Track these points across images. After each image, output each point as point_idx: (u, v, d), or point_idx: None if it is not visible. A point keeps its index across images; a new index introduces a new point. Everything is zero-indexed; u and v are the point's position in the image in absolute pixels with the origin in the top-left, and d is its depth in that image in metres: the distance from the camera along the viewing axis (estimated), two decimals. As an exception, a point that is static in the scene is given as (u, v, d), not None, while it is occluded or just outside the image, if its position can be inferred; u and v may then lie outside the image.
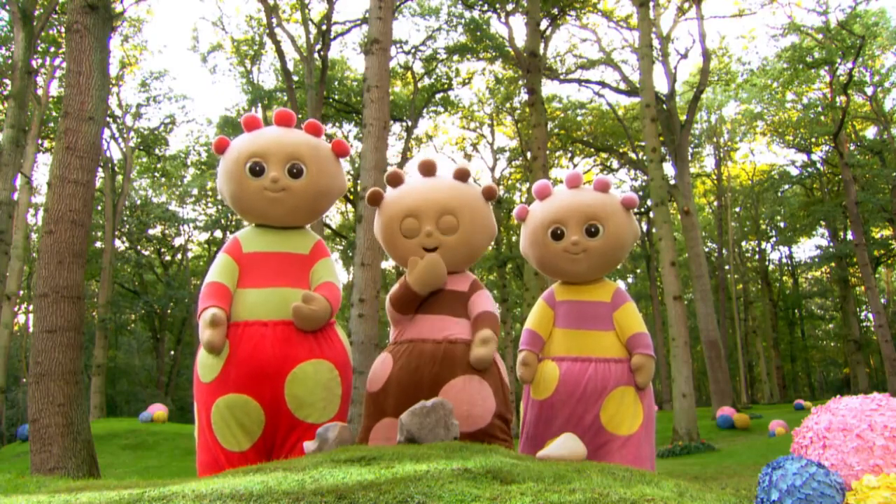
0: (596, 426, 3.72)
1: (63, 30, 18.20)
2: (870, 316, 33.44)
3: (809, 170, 32.62)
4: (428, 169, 3.97)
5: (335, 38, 23.81)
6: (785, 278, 40.67)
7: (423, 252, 3.76)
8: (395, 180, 3.94)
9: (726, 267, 36.00)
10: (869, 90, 28.05)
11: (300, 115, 23.53)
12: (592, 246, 3.85)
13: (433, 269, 3.65)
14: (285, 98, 25.68)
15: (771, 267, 39.66)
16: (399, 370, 3.58)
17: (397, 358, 3.63)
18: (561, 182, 4.47)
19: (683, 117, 23.49)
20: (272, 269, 3.56)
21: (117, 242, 29.33)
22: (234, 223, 31.82)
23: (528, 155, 21.07)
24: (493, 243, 33.85)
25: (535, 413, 3.88)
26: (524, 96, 23.50)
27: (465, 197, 3.85)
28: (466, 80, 27.86)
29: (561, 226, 3.89)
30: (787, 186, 34.48)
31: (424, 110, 28.49)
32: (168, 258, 35.36)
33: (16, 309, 22.55)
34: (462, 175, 3.95)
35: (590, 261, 3.88)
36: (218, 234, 33.66)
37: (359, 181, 9.71)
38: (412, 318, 3.77)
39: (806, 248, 73.36)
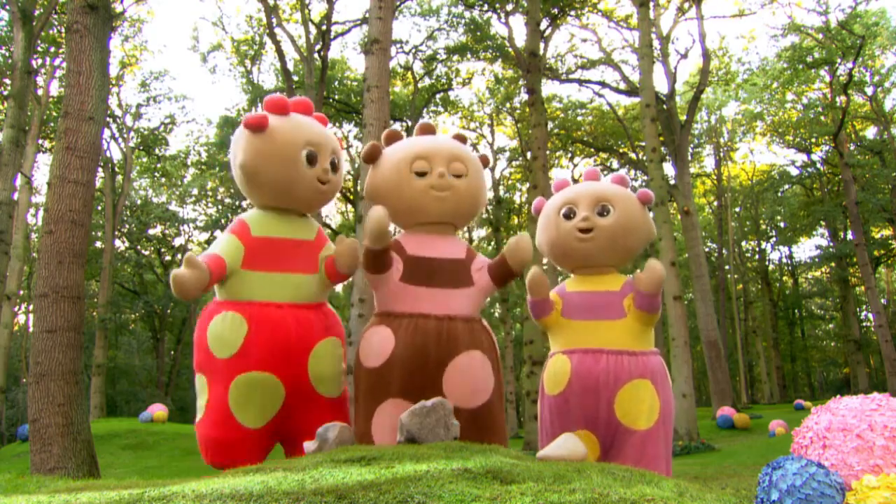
0: (612, 420, 3.64)
1: (63, 30, 18.21)
2: (870, 316, 33.46)
3: (809, 170, 32.63)
4: (427, 129, 4.09)
5: (335, 38, 23.83)
6: (785, 278, 40.68)
7: (434, 193, 3.77)
8: (395, 137, 4.04)
9: (726, 267, 36.00)
10: (869, 90, 28.06)
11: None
12: (601, 224, 3.84)
13: (372, 216, 3.56)
14: (285, 98, 25.64)
15: (771, 267, 39.67)
16: (403, 348, 3.51)
17: (399, 333, 3.56)
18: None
19: (683, 117, 23.50)
20: (283, 254, 3.65)
21: (117, 242, 29.34)
22: (234, 223, 31.78)
23: (528, 155, 21.07)
24: (493, 244, 33.51)
25: (550, 409, 3.82)
26: (524, 96, 23.51)
27: (469, 151, 4.02)
28: (466, 80, 27.88)
29: (572, 206, 3.93)
30: (787, 186, 34.51)
31: (424, 110, 28.49)
32: (168, 258, 35.34)
33: (16, 309, 22.55)
34: (461, 138, 4.14)
35: (598, 240, 3.86)
36: (218, 233, 33.64)
37: (359, 181, 9.72)
38: (411, 288, 3.67)
39: (806, 248, 73.50)
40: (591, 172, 4.20)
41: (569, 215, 3.92)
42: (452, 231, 3.99)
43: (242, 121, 3.67)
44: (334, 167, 3.81)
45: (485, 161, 4.11)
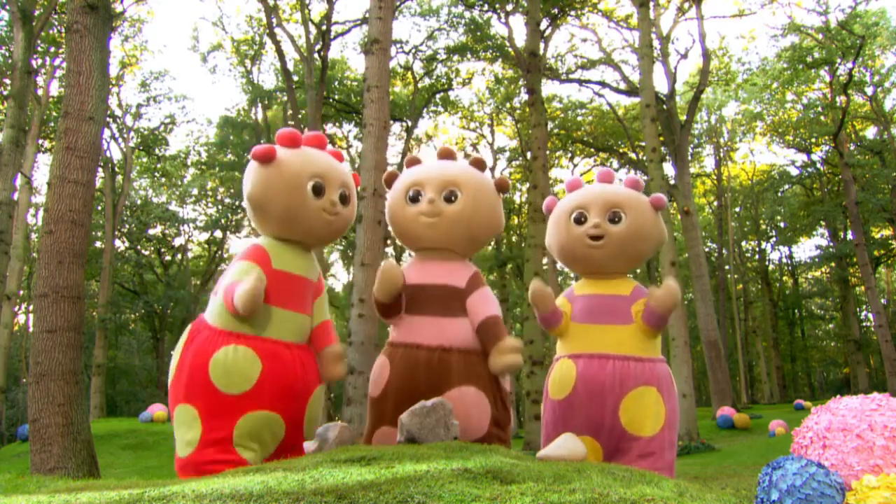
0: (616, 426, 3.60)
1: (63, 30, 18.21)
2: (870, 316, 33.48)
3: (809, 170, 32.64)
4: (446, 154, 4.03)
5: (335, 38, 23.82)
6: (785, 278, 40.69)
7: (423, 220, 3.73)
8: (413, 163, 4.03)
9: (726, 267, 36.01)
10: (869, 90, 28.07)
11: (300, 115, 23.62)
12: (613, 231, 3.77)
13: (385, 274, 3.58)
14: (285, 98, 25.73)
15: (771, 267, 39.68)
16: (395, 377, 3.55)
17: (394, 363, 3.60)
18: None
19: (683, 117, 23.50)
20: (296, 293, 3.62)
21: (117, 242, 29.35)
22: (234, 223, 31.84)
23: (528, 155, 21.08)
24: (492, 244, 33.56)
25: (554, 413, 3.78)
26: (524, 96, 23.52)
27: (471, 174, 3.85)
28: (466, 80, 27.88)
29: (584, 211, 3.85)
30: (787, 186, 34.52)
31: (424, 110, 28.49)
32: (168, 258, 35.36)
33: (16, 309, 22.56)
34: (477, 163, 3.98)
35: (609, 248, 3.79)
36: (218, 234, 33.69)
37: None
38: (404, 317, 3.70)
39: (806, 248, 73.53)
40: (605, 174, 4.10)
41: (580, 220, 3.85)
42: (457, 257, 3.88)
43: (251, 153, 3.69)
44: (344, 200, 3.79)
45: (501, 185, 3.93)
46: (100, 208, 26.31)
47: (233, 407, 3.34)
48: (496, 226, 3.93)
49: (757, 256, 39.61)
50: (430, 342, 3.55)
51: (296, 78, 24.03)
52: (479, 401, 3.50)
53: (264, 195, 3.62)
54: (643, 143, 20.28)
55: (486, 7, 23.16)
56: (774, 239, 38.42)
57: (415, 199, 3.77)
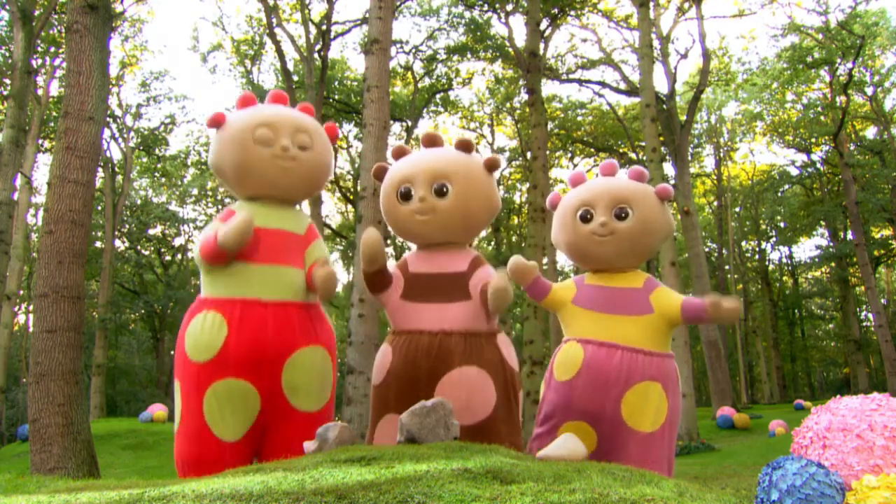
0: (616, 418, 3.55)
1: (63, 30, 18.20)
2: (870, 316, 33.46)
3: (809, 170, 32.63)
4: (430, 141, 3.96)
5: (335, 38, 23.82)
6: (785, 278, 40.67)
7: (417, 218, 3.72)
8: (401, 154, 3.97)
9: (726, 267, 36.01)
10: (869, 90, 28.06)
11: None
12: (620, 228, 3.72)
13: (364, 241, 3.59)
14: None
15: (771, 267, 39.66)
16: (397, 363, 3.55)
17: (396, 350, 3.59)
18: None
19: (683, 117, 23.50)
20: (272, 246, 3.49)
21: (117, 242, 29.34)
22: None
23: (528, 155, 21.08)
24: (493, 244, 33.52)
25: (556, 394, 3.72)
26: (524, 96, 23.51)
27: (459, 162, 3.76)
28: (466, 80, 27.87)
29: (590, 208, 3.79)
30: (787, 186, 34.50)
31: (424, 110, 28.49)
32: (168, 258, 35.36)
33: (16, 309, 22.56)
34: (463, 146, 3.88)
35: (617, 244, 3.75)
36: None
37: (359, 181, 9.72)
38: (406, 305, 3.68)
39: (806, 248, 73.47)
40: (609, 166, 4.04)
41: (586, 217, 3.80)
42: (458, 246, 3.87)
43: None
44: (303, 145, 3.64)
45: (491, 164, 3.84)
46: (100, 208, 26.32)
47: (200, 377, 3.28)
48: (492, 207, 3.90)
49: (757, 256, 39.60)
50: (432, 327, 3.55)
51: (296, 78, 24.02)
52: (482, 382, 3.48)
53: (219, 157, 3.64)
54: (643, 143, 20.27)
55: (486, 7, 23.14)
56: (774, 239, 38.41)
57: (406, 195, 3.74)
